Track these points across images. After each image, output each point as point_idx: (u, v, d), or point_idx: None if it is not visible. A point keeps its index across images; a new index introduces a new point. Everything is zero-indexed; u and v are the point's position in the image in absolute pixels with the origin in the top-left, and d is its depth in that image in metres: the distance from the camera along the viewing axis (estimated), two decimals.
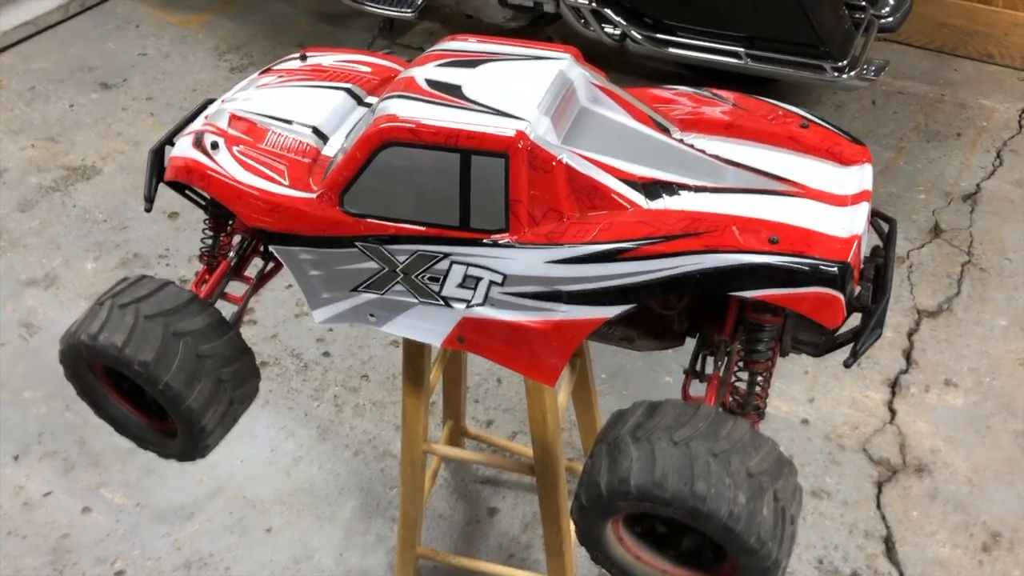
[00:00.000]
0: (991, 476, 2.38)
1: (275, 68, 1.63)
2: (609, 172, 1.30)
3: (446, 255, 1.32)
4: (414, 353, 1.66)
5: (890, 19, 3.27)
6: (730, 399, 1.35)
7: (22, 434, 2.55)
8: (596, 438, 1.27)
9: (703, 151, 1.36)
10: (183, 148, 1.50)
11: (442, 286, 1.34)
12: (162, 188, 1.58)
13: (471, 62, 1.37)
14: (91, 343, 1.40)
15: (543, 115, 1.27)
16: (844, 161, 1.35)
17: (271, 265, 1.61)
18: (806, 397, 2.59)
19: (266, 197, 1.39)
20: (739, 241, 1.19)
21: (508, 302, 1.31)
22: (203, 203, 1.60)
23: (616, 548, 1.30)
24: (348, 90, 1.53)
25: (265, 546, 2.29)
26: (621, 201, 1.29)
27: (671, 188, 1.32)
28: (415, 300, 1.38)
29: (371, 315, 1.43)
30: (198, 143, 1.47)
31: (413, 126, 1.26)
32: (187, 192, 1.59)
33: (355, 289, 1.41)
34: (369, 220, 1.33)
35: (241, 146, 1.45)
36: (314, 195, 1.37)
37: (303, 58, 1.64)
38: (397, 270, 1.35)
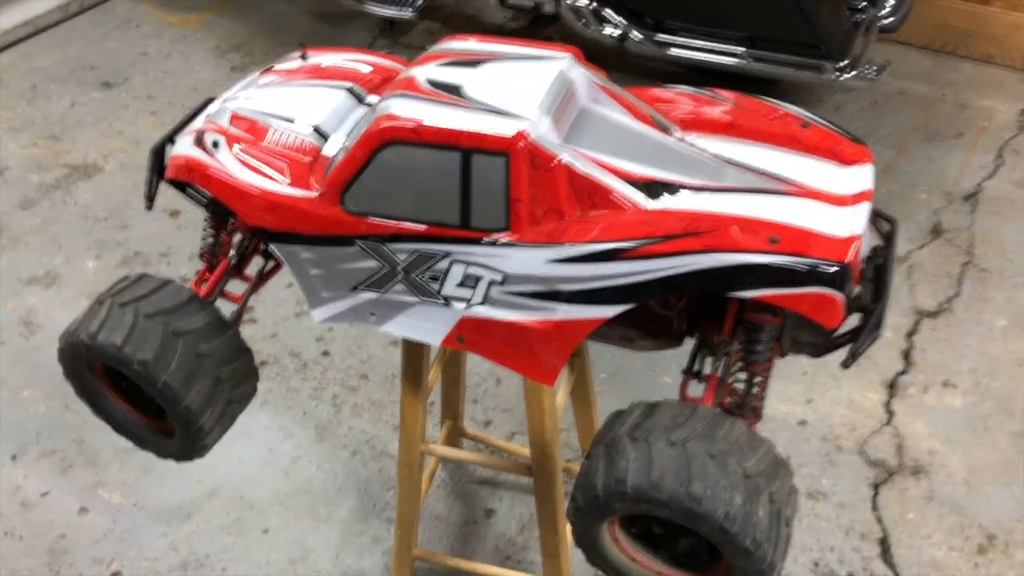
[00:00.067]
0: (988, 477, 2.38)
1: (276, 67, 1.63)
2: (610, 172, 1.30)
3: (446, 254, 1.32)
4: (413, 353, 1.66)
5: (890, 20, 3.27)
6: (728, 400, 1.35)
7: (20, 433, 2.55)
8: (594, 439, 1.27)
9: (703, 151, 1.36)
10: (184, 147, 1.50)
11: (442, 285, 1.34)
12: (163, 187, 1.58)
13: (472, 62, 1.38)
14: (90, 342, 1.40)
15: (544, 115, 1.27)
16: (845, 161, 1.35)
17: (271, 264, 1.61)
18: (804, 398, 2.59)
19: (267, 196, 1.39)
20: (739, 241, 1.19)
21: (508, 301, 1.31)
22: (204, 202, 1.60)
23: (612, 550, 1.30)
24: (349, 89, 1.53)
25: (262, 547, 2.29)
26: (621, 201, 1.29)
27: (671, 188, 1.32)
28: (415, 299, 1.38)
29: (371, 314, 1.42)
30: (199, 142, 1.47)
31: (414, 125, 1.27)
32: (188, 191, 1.59)
33: (355, 288, 1.41)
34: (370, 219, 1.33)
35: (242, 145, 1.45)
36: (315, 194, 1.37)
37: (304, 57, 1.64)
38: (397, 269, 1.35)
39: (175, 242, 3.14)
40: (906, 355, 2.70)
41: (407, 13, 3.72)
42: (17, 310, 2.91)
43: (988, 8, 3.81)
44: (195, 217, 3.12)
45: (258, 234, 1.49)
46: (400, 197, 1.30)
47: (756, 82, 3.39)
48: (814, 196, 1.29)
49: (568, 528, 1.81)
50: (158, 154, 1.57)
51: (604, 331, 1.45)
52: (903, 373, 2.65)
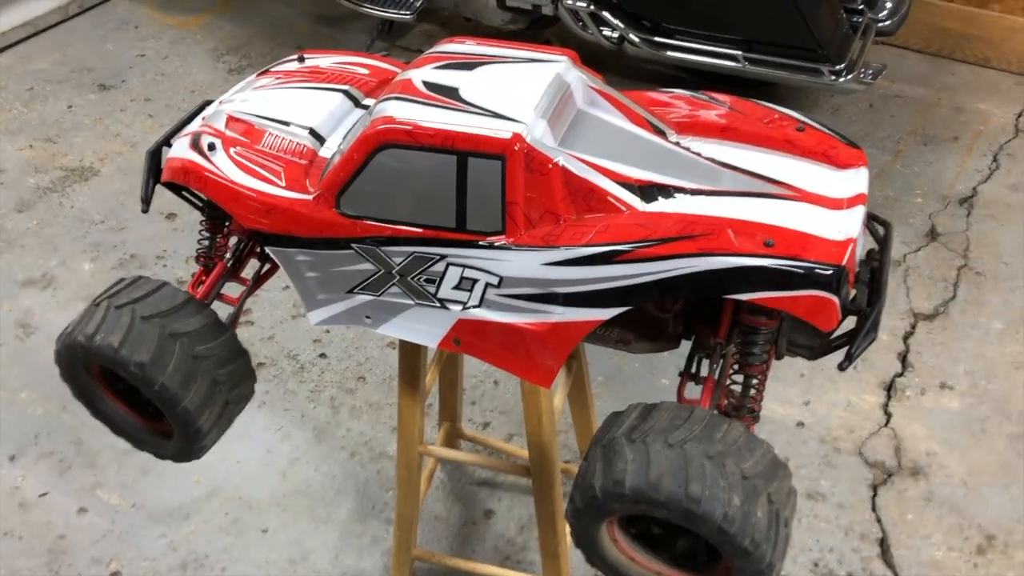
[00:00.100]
0: (986, 479, 2.38)
1: (273, 70, 1.63)
2: (605, 175, 1.30)
3: (442, 257, 1.32)
4: (410, 355, 1.67)
5: (887, 23, 3.28)
6: (725, 402, 1.36)
7: (18, 435, 2.55)
8: (591, 440, 1.28)
9: (699, 154, 1.36)
10: (180, 149, 1.50)
11: (438, 288, 1.34)
12: (160, 189, 1.58)
13: (468, 64, 1.38)
14: (87, 344, 1.40)
15: (540, 118, 1.27)
16: (840, 164, 1.36)
17: (267, 266, 1.61)
18: (802, 400, 2.59)
19: (263, 199, 1.39)
20: (734, 244, 1.20)
21: (504, 304, 1.32)
22: (200, 204, 1.60)
23: (611, 550, 1.30)
24: (345, 92, 1.54)
25: (261, 547, 2.29)
26: (617, 204, 1.29)
27: (667, 191, 1.32)
28: (411, 302, 1.38)
29: (367, 317, 1.43)
30: (195, 144, 1.48)
31: (410, 128, 1.27)
32: (184, 193, 1.60)
33: (351, 291, 1.41)
34: (365, 222, 1.33)
35: (238, 147, 1.45)
36: (311, 197, 1.37)
37: (301, 60, 1.64)
38: (393, 272, 1.36)
39: (171, 244, 3.14)
40: (903, 358, 2.71)
41: (405, 15, 3.72)
42: (14, 312, 2.91)
43: (985, 12, 3.82)
44: (191, 220, 3.13)
45: (254, 237, 1.49)
46: (396, 200, 1.31)
47: (753, 85, 3.40)
48: (809, 199, 1.29)
49: (567, 529, 1.81)
50: (154, 156, 1.57)
51: (601, 333, 1.46)
52: (900, 375, 2.65)
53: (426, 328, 1.39)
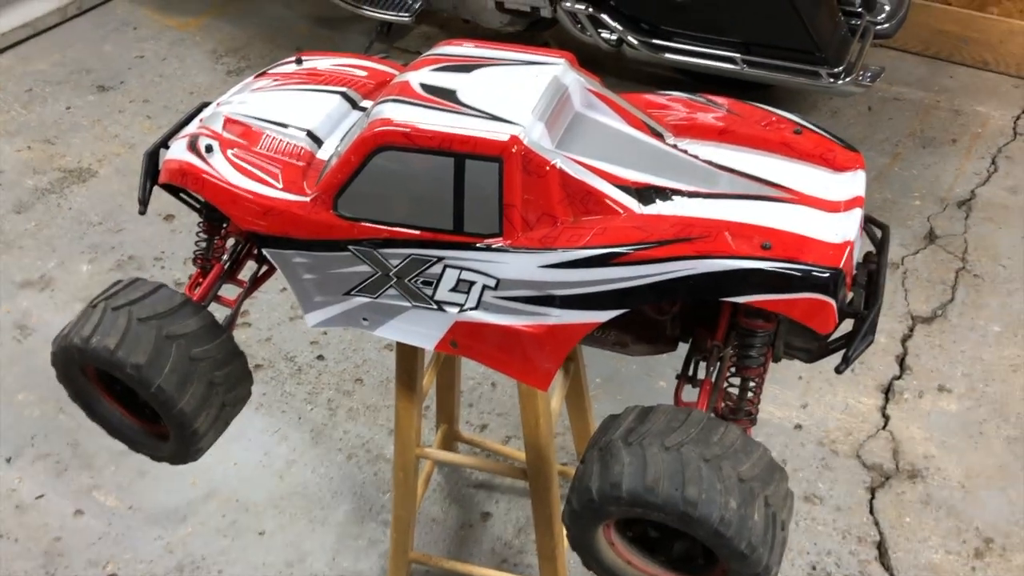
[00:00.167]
0: (984, 482, 2.38)
1: (271, 72, 1.63)
2: (603, 177, 1.30)
3: (439, 259, 1.32)
4: (407, 357, 1.66)
5: (886, 25, 3.28)
6: (722, 404, 1.35)
7: (15, 436, 2.55)
8: (588, 443, 1.27)
9: (697, 156, 1.36)
10: (178, 151, 1.50)
11: (435, 290, 1.34)
12: (158, 191, 1.58)
13: (466, 67, 1.38)
14: (84, 346, 1.40)
15: (537, 120, 1.27)
16: (837, 167, 1.36)
17: (265, 268, 1.61)
18: (799, 402, 2.59)
19: (260, 200, 1.39)
20: (731, 246, 1.20)
21: (501, 306, 1.31)
22: (197, 206, 1.60)
23: (608, 553, 1.30)
24: (343, 94, 1.54)
25: (258, 549, 2.29)
26: (615, 206, 1.29)
27: (664, 193, 1.32)
28: (408, 304, 1.38)
29: (364, 319, 1.43)
30: (193, 146, 1.47)
31: (408, 130, 1.27)
32: (182, 195, 1.60)
33: (348, 293, 1.41)
34: (363, 224, 1.33)
35: (236, 149, 1.45)
36: (308, 199, 1.37)
37: (299, 62, 1.64)
38: (390, 274, 1.35)
39: (169, 246, 3.14)
40: (901, 360, 2.71)
41: (404, 17, 3.73)
42: (11, 313, 2.91)
43: (983, 14, 3.82)
44: (189, 221, 3.11)
45: (251, 239, 1.49)
46: (393, 202, 1.31)
47: (751, 88, 3.40)
48: (807, 202, 1.29)
49: (564, 531, 1.81)
50: (152, 158, 1.57)
51: (598, 336, 1.46)
52: (898, 378, 2.65)
53: (423, 330, 1.39)
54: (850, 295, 1.27)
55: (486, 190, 1.26)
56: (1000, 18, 3.81)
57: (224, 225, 1.59)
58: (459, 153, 1.25)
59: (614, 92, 1.42)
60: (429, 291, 1.35)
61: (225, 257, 1.59)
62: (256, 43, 4.21)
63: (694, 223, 1.25)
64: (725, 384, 1.36)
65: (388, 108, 1.30)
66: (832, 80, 3.06)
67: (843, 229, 1.25)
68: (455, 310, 1.35)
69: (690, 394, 1.37)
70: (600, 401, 2.57)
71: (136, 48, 4.19)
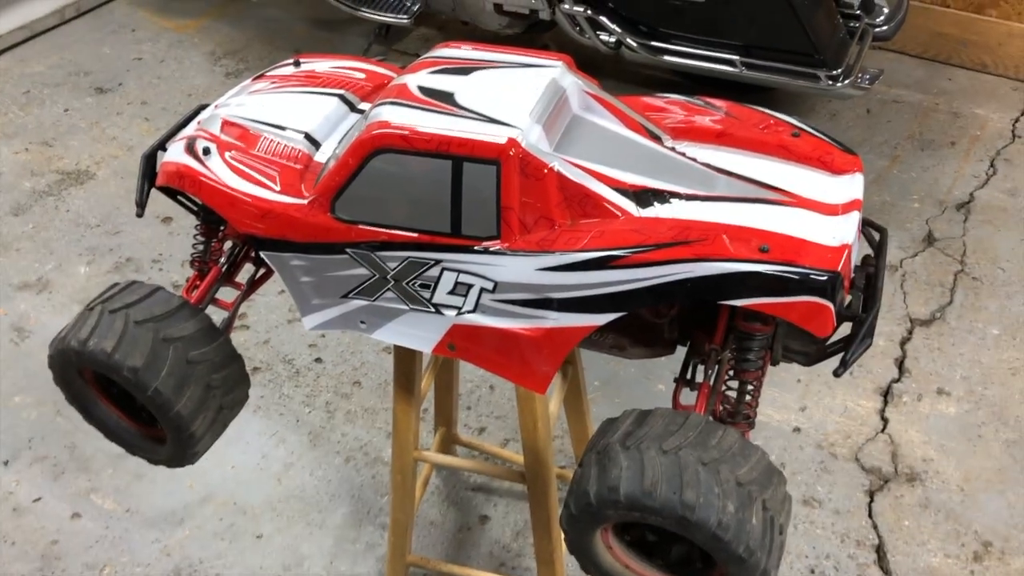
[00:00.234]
0: (983, 485, 2.38)
1: (268, 74, 1.63)
2: (601, 180, 1.30)
3: (437, 262, 1.32)
4: (405, 360, 1.66)
5: (885, 28, 3.28)
6: (720, 408, 1.35)
7: (12, 439, 2.54)
8: (586, 447, 1.27)
9: (694, 159, 1.36)
10: (175, 153, 1.50)
11: (433, 293, 1.34)
12: (155, 193, 1.58)
13: (464, 69, 1.38)
14: (80, 348, 1.40)
15: (535, 123, 1.27)
16: (835, 170, 1.35)
17: (262, 271, 1.61)
18: (798, 405, 2.59)
19: (257, 203, 1.39)
20: (729, 250, 1.20)
21: (499, 309, 1.31)
22: (195, 209, 1.60)
23: (605, 557, 1.30)
24: (341, 96, 1.53)
25: (255, 552, 2.28)
26: (612, 209, 1.29)
27: (662, 196, 1.32)
28: (405, 307, 1.37)
29: (361, 322, 1.42)
30: (190, 149, 1.47)
31: (406, 133, 1.26)
32: (179, 197, 1.59)
33: (345, 296, 1.40)
34: (360, 226, 1.33)
35: (233, 152, 1.45)
36: (305, 201, 1.36)
37: (296, 64, 1.64)
38: (388, 277, 1.35)
39: (167, 248, 3.14)
40: (899, 363, 2.70)
41: (402, 19, 3.73)
42: (9, 316, 2.90)
43: (982, 17, 3.83)
44: (187, 224, 3.12)
45: (249, 241, 1.49)
46: (391, 205, 1.30)
47: (750, 90, 3.40)
48: (805, 205, 1.29)
49: (562, 535, 1.80)
50: (150, 160, 1.57)
51: (596, 339, 1.45)
52: (897, 381, 2.65)
53: (421, 333, 1.39)
54: (848, 298, 1.27)
55: (484, 193, 1.26)
56: (999, 20, 3.81)
57: (221, 228, 1.59)
58: (457, 156, 1.25)
59: (612, 95, 1.42)
60: (427, 294, 1.34)
61: (223, 260, 1.59)
62: (254, 45, 4.21)
63: (692, 226, 1.25)
64: (723, 387, 1.35)
65: (386, 111, 1.30)
66: (831, 82, 3.06)
67: (841, 232, 1.24)
68: (453, 313, 1.34)
69: (688, 397, 1.36)
70: (598, 404, 2.57)
71: (134, 50, 4.19)
